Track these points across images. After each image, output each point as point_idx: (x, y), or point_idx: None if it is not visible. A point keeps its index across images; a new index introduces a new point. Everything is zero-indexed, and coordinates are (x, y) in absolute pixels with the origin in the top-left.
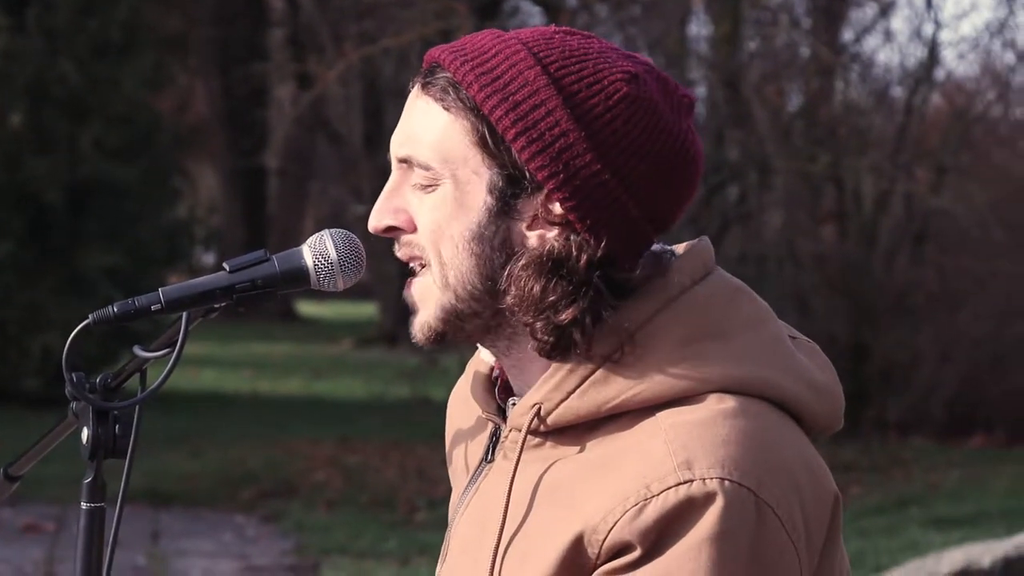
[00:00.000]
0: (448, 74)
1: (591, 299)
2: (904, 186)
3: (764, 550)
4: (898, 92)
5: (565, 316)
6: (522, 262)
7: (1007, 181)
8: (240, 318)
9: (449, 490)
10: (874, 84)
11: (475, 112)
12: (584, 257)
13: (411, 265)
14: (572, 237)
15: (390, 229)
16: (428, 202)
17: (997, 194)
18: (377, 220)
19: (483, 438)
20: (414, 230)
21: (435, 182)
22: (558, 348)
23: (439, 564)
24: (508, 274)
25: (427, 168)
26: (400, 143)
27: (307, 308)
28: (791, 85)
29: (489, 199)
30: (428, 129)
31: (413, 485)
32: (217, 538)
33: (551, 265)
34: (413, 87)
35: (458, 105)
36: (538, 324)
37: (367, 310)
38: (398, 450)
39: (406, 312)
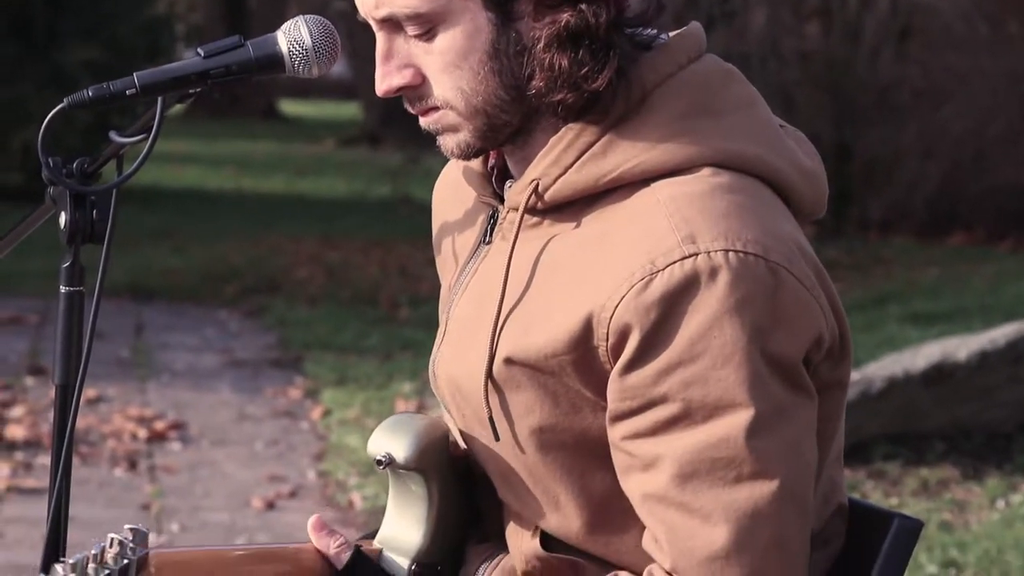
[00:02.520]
0: None
1: (619, 59)
2: None
3: (786, 308)
4: None
5: (600, 82)
6: (542, 43)
7: None
8: (223, 116)
9: (431, 287)
10: None
11: None
12: (603, 19)
13: (430, 128)
14: (583, 7)
15: (401, 88)
16: (436, 47)
17: None
18: (386, 84)
19: (475, 225)
20: (423, 81)
21: (431, 24)
22: (585, 111)
23: (435, 348)
24: (531, 62)
25: (417, 17)
26: (374, 5)
27: (290, 107)
28: None
29: (491, 15)
30: None
31: (395, 282)
32: (200, 332)
33: (573, 38)
34: None
35: None
36: (570, 98)
37: (350, 110)
38: (380, 247)
39: (389, 112)
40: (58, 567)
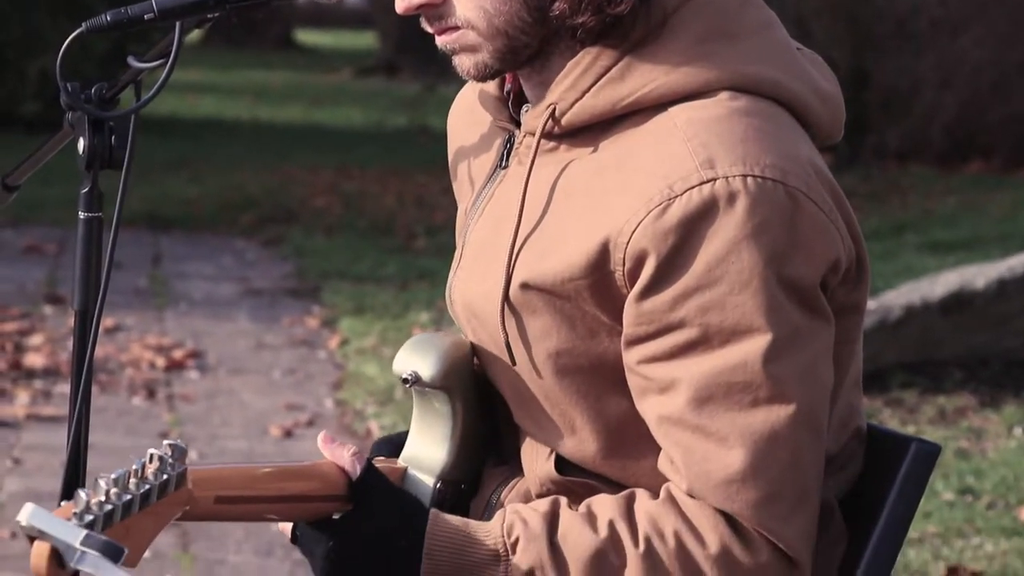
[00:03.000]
0: None
1: None
2: None
3: (804, 233)
4: None
5: (624, 6)
6: None
7: None
8: (239, 46)
9: (447, 217)
10: None
11: None
12: None
13: (447, 48)
14: None
15: (421, 7)
16: None
17: None
18: (406, 1)
19: (491, 149)
20: (444, 1)
21: None
22: (604, 35)
23: (452, 272)
24: None
25: None
26: None
27: (306, 37)
28: None
29: None
30: None
31: (411, 212)
32: (217, 262)
33: None
34: None
35: None
36: (592, 21)
37: (366, 40)
38: (396, 177)
39: (405, 41)
40: (100, 480)
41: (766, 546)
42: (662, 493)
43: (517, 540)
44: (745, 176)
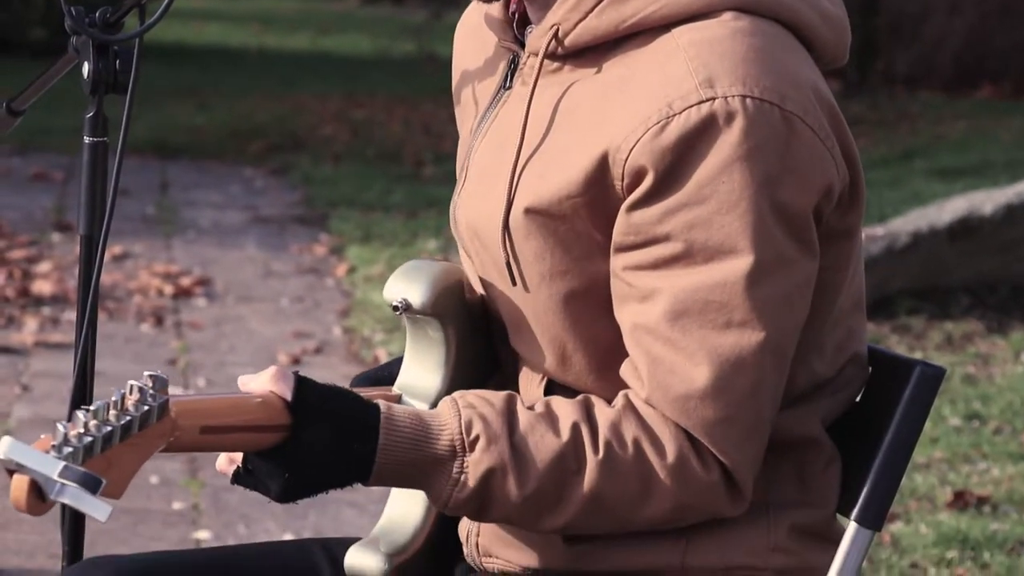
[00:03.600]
0: None
1: None
2: None
3: (798, 158)
4: None
5: None
6: None
7: None
8: None
9: (455, 145)
10: None
11: None
12: None
13: None
14: None
15: None
16: None
17: None
18: None
19: (496, 71)
20: None
21: None
22: None
23: (455, 192)
24: None
25: None
26: None
27: None
28: None
29: None
30: None
31: (419, 140)
32: (225, 190)
33: None
34: None
35: None
36: None
37: None
38: (404, 105)
39: None
40: (79, 413)
41: (716, 466)
42: (619, 400)
43: (477, 439)
44: (744, 97)
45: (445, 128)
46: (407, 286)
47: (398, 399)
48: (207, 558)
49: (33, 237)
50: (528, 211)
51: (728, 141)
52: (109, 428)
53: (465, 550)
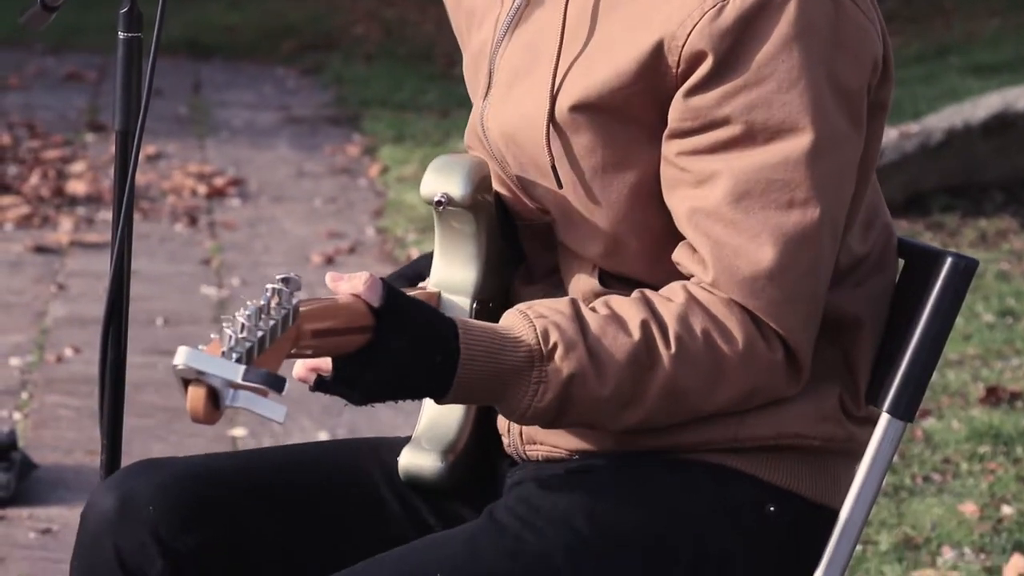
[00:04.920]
0: None
1: None
2: None
3: (848, 34)
4: None
5: None
6: None
7: None
8: None
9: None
10: None
11: None
12: None
13: None
14: None
15: None
16: None
17: None
18: None
19: None
20: None
21: None
22: None
23: (480, 99)
24: None
25: None
26: None
27: None
28: None
29: None
30: None
31: (451, 39)
32: (258, 89)
33: None
34: None
35: None
36: None
37: None
38: (436, 4)
39: None
40: (239, 317)
41: (781, 345)
42: (680, 293)
43: (555, 347)
44: None
45: None
46: (445, 181)
47: (438, 296)
48: (259, 459)
49: (67, 137)
50: (575, 107)
51: (786, 20)
52: (261, 332)
53: (506, 441)
